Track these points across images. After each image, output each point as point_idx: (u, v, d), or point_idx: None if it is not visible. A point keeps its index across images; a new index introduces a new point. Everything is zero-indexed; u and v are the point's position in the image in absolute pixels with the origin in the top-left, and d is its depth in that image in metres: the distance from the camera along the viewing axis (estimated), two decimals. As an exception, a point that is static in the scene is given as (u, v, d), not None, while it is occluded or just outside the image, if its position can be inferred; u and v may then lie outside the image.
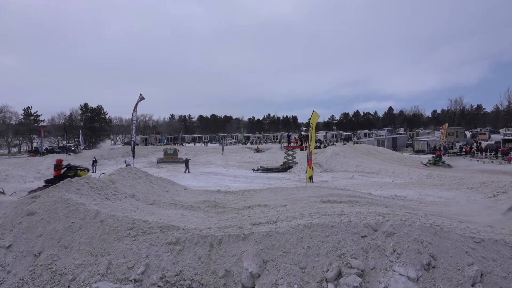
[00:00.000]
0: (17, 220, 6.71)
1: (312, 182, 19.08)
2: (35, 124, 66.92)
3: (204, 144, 68.88)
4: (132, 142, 21.62)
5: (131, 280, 5.44)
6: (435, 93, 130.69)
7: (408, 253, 5.19)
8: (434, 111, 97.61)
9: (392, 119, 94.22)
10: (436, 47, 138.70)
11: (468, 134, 58.88)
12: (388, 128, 68.00)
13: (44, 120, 70.67)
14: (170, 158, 38.49)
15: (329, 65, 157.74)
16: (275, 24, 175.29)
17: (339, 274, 5.06)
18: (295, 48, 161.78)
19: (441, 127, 52.37)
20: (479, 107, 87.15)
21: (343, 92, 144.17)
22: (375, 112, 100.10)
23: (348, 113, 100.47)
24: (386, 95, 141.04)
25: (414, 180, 20.90)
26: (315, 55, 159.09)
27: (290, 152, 31.18)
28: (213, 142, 72.03)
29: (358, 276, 4.96)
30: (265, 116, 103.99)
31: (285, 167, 29.36)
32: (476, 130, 64.13)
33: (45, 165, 32.14)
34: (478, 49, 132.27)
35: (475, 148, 35.67)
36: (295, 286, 5.02)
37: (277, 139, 65.60)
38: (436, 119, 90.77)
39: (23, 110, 67.99)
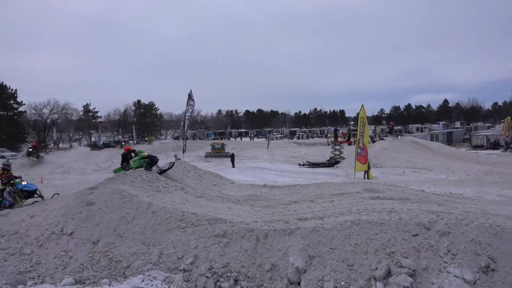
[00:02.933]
0: (77, 210, 7.21)
1: (368, 178, 18.57)
2: (93, 120, 71.33)
3: (251, 138, 69.48)
4: (185, 137, 22.37)
5: (180, 270, 5.65)
6: (497, 84, 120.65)
7: (464, 254, 4.90)
8: (495, 104, 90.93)
9: (447, 112, 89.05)
10: (504, 34, 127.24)
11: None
12: (443, 122, 64.34)
13: (101, 116, 75.16)
14: (218, 153, 39.25)
15: (389, 54, 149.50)
16: (336, 9, 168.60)
17: (388, 273, 4.89)
18: (354, 36, 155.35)
19: (502, 120, 48.61)
20: (547, 98, 79.85)
21: (401, 83, 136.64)
22: (429, 105, 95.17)
23: (399, 106, 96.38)
24: (447, 86, 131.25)
25: (472, 177, 19.63)
26: (376, 43, 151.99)
27: (337, 147, 30.57)
28: (259, 137, 72.39)
29: (409, 276, 4.76)
30: (312, 110, 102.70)
31: (332, 162, 28.85)
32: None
33: (103, 158, 34.18)
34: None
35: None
36: (342, 283, 4.93)
37: (323, 133, 64.58)
38: (497, 112, 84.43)
39: (82, 107, 72.74)
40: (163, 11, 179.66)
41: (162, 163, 12.28)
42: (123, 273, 5.85)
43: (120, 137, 64.86)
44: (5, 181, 9.83)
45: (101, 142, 51.23)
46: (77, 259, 6.21)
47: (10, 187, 9.55)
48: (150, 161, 10.63)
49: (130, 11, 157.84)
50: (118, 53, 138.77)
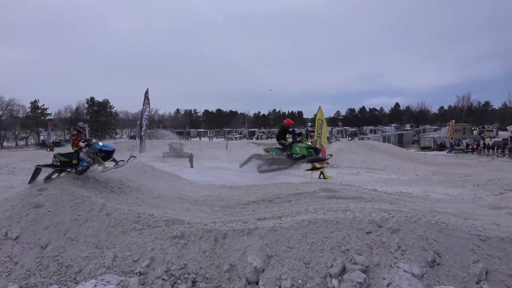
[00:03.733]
0: (24, 212, 6.79)
1: (324, 178, 19.02)
2: (42, 118, 67.51)
3: (210, 138, 69.02)
4: (143, 137, 21.63)
5: (136, 273, 5.49)
6: (443, 89, 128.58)
7: (413, 250, 5.18)
8: (441, 108, 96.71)
9: (398, 115, 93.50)
10: (450, 42, 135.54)
11: (476, 131, 58.35)
12: (395, 124, 67.58)
13: (51, 113, 71.29)
14: (176, 153, 38.56)
15: (343, 58, 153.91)
16: (295, 12, 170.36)
17: (343, 270, 5.06)
18: (310, 40, 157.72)
19: (448, 123, 51.91)
20: (487, 103, 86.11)
21: (356, 87, 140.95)
22: (381, 108, 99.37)
23: (354, 109, 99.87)
24: (398, 90, 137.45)
25: (420, 176, 20.78)
26: (331, 47, 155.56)
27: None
28: (218, 137, 72.09)
29: (362, 272, 4.96)
30: (271, 111, 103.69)
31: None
32: (483, 127, 63.46)
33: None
34: (487, 46, 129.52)
35: (482, 145, 35.39)
36: (299, 281, 5.03)
37: (282, 134, 65.45)
38: (443, 116, 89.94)
39: (30, 103, 68.62)
40: (118, 3, 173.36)
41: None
42: (74, 278, 5.60)
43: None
44: (81, 142, 8.85)
45: (51, 141, 48.60)
46: (23, 264, 5.86)
47: (88, 148, 8.68)
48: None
49: (82, 3, 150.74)
50: (69, 47, 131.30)
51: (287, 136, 9.54)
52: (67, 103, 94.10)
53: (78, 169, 8.65)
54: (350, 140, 39.28)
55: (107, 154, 9.01)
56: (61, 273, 5.70)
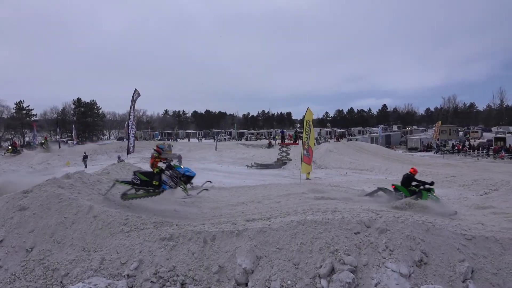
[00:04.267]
0: (8, 215, 6.66)
1: (309, 179, 19.17)
2: (27, 118, 66.27)
3: (199, 140, 68.67)
4: (131, 138, 21.38)
5: (124, 276, 5.43)
6: (430, 91, 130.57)
7: (400, 250, 5.24)
8: (428, 109, 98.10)
9: (386, 116, 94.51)
10: (437, 44, 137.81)
11: (461, 132, 59.33)
12: (382, 126, 68.25)
13: (36, 114, 69.98)
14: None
15: (332, 59, 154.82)
16: (284, 13, 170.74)
17: (332, 270, 5.09)
18: (299, 41, 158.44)
19: (434, 125, 52.65)
20: (471, 105, 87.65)
21: (344, 88, 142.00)
22: (369, 110, 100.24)
23: (342, 110, 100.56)
24: (386, 92, 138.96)
25: (407, 177, 20.99)
26: (319, 48, 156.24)
27: (284, 149, 31.19)
28: (207, 138, 71.77)
29: (351, 272, 5.00)
30: (260, 112, 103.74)
31: (279, 164, 29.38)
32: (468, 128, 64.57)
33: (38, 160, 31.84)
34: (473, 49, 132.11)
35: (468, 146, 35.99)
36: (288, 282, 5.04)
37: (271, 135, 65.57)
38: (430, 117, 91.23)
39: (15, 104, 67.24)
40: (105, 3, 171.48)
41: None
42: (61, 282, 5.51)
43: (58, 137, 60.93)
44: (162, 163, 8.53)
45: (36, 142, 47.76)
46: (7, 268, 5.74)
47: (171, 171, 8.34)
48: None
49: (70, 2, 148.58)
50: (56, 47, 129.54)
51: (413, 183, 9.67)
52: (53, 103, 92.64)
53: (159, 190, 8.33)
54: (336, 141, 39.67)
55: (188, 179, 8.79)
56: (47, 276, 5.60)
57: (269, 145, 42.00)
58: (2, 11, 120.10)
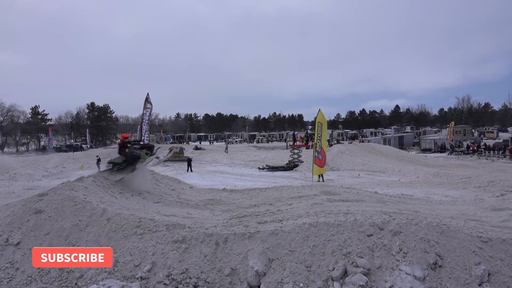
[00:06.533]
0: (25, 218, 6.78)
1: (323, 181, 19.08)
2: (43, 123, 67.56)
3: (210, 142, 68.98)
4: (144, 141, 21.60)
5: (137, 278, 5.48)
6: (443, 91, 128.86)
7: (414, 252, 5.16)
8: (441, 110, 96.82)
9: (398, 117, 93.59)
10: (450, 44, 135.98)
11: (476, 132, 58.31)
12: (395, 127, 67.59)
13: (51, 119, 71.40)
14: (176, 157, 38.53)
15: (344, 60, 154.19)
16: (294, 14, 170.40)
17: (345, 273, 5.05)
18: (312, 42, 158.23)
19: (448, 125, 51.89)
20: (486, 105, 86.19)
21: (356, 89, 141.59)
22: (382, 111, 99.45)
23: (354, 111, 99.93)
24: (398, 92, 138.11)
25: (421, 178, 20.76)
26: (331, 49, 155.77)
27: (295, 151, 31.11)
28: (219, 141, 72.08)
29: (364, 275, 4.95)
30: (271, 114, 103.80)
31: (290, 166, 29.30)
32: (483, 128, 63.42)
33: (53, 164, 32.42)
34: (487, 48, 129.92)
35: (483, 147, 35.35)
36: (301, 284, 5.02)
37: (282, 137, 65.50)
38: (443, 118, 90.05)
39: (30, 109, 68.74)
40: (119, 9, 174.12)
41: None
42: (76, 284, 5.58)
43: (72, 141, 61.94)
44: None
45: (51, 147, 48.61)
46: (24, 270, 5.84)
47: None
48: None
49: (84, 9, 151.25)
50: (70, 53, 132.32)
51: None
52: (67, 108, 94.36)
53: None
54: (338, 143, 39.45)
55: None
56: (62, 278, 5.68)
57: (293, 143, 40.81)
58: (18, 19, 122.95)
